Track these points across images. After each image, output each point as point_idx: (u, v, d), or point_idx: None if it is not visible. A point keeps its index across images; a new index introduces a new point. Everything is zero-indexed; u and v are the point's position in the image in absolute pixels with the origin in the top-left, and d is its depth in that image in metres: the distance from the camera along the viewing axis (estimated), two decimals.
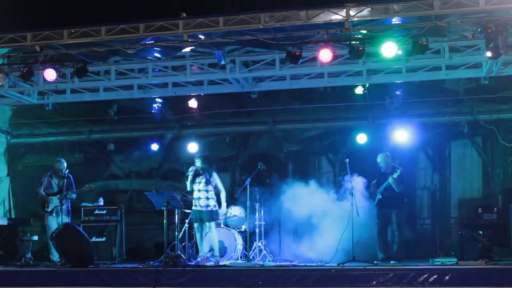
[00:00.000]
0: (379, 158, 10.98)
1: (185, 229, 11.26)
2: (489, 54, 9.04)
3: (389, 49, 9.51)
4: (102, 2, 11.60)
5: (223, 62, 10.48)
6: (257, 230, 11.45)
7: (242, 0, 10.75)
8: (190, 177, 10.40)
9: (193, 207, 10.44)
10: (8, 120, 14.09)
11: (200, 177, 10.41)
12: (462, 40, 10.09)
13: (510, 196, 11.72)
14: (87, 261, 10.00)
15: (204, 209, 10.29)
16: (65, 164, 11.35)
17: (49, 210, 11.14)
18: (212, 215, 10.35)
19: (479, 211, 11.55)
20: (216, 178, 10.41)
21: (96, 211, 12.03)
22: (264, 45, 10.00)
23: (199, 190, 10.33)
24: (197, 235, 10.53)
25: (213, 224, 10.42)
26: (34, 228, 11.83)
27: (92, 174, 13.75)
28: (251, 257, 11.13)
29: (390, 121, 12.78)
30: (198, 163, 10.45)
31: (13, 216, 13.60)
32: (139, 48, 10.11)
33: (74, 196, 11.33)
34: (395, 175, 10.48)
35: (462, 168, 12.85)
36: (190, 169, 10.48)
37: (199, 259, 10.33)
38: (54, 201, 11.12)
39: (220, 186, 10.45)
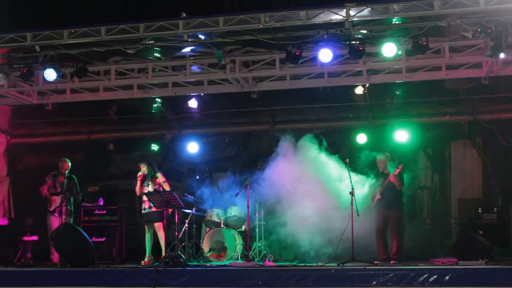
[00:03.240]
0: (378, 158, 10.97)
1: (185, 229, 11.27)
2: (489, 53, 9.05)
3: (389, 49, 9.54)
4: (102, 2, 11.59)
5: (223, 62, 10.48)
6: (257, 230, 11.45)
7: (242, 0, 10.74)
8: (138, 183, 10.64)
9: (142, 210, 10.69)
10: (8, 120, 14.08)
11: (147, 181, 10.70)
12: (462, 40, 10.09)
13: (510, 196, 11.72)
14: (87, 261, 10.00)
15: (151, 210, 10.55)
16: (70, 164, 11.38)
17: (51, 209, 11.14)
18: (160, 216, 10.53)
19: (479, 211, 11.56)
20: (161, 180, 10.73)
21: (96, 211, 12.04)
22: (264, 45, 10.01)
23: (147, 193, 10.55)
24: (147, 236, 10.72)
25: (161, 224, 10.58)
26: (34, 228, 11.81)
27: (92, 174, 13.75)
28: (251, 257, 11.13)
29: (390, 121, 12.79)
30: (143, 168, 10.73)
31: (13, 216, 13.59)
32: (139, 48, 10.12)
33: (80, 197, 11.41)
34: (395, 171, 10.46)
35: (462, 168, 12.85)
36: (138, 174, 10.72)
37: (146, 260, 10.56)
38: (57, 201, 11.13)
39: (166, 187, 10.70)
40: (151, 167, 10.82)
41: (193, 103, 12.90)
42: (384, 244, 10.66)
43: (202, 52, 10.83)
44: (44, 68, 10.26)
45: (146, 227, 10.73)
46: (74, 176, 11.40)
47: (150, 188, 10.62)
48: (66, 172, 11.29)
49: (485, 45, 9.19)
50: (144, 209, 10.67)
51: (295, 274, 8.77)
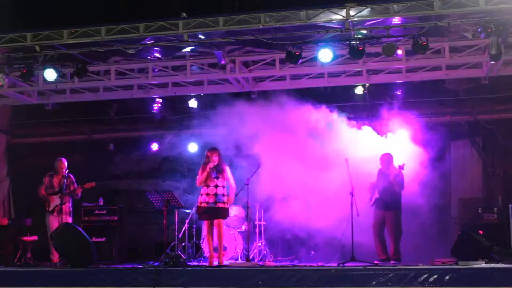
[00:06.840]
0: (381, 158, 10.94)
1: (185, 229, 11.26)
2: (490, 53, 9.05)
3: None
4: (102, 2, 11.59)
5: (223, 62, 10.48)
6: (257, 230, 11.45)
7: (242, 0, 10.75)
8: (205, 173, 9.78)
9: (205, 204, 9.82)
10: (8, 120, 14.08)
11: (216, 172, 9.87)
12: (462, 40, 10.10)
13: (510, 196, 11.72)
14: (87, 261, 9.99)
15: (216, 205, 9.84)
16: (66, 164, 11.36)
17: (50, 209, 11.14)
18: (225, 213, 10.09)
19: (479, 211, 11.55)
20: (229, 174, 10.05)
21: (96, 211, 12.04)
22: (264, 45, 10.01)
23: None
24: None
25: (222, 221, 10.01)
26: (34, 228, 11.82)
27: (92, 174, 13.72)
28: (251, 257, 11.13)
29: (390, 121, 12.78)
30: (216, 158, 9.82)
31: (13, 216, 13.59)
32: (139, 48, 10.12)
33: (79, 195, 11.41)
34: (396, 177, 10.45)
35: (462, 168, 12.84)
36: (208, 166, 9.78)
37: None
38: (55, 200, 11.12)
39: (233, 183, 10.11)
40: (221, 157, 9.92)
41: (193, 103, 12.90)
42: (381, 244, 10.64)
43: (202, 52, 10.83)
44: (44, 68, 10.26)
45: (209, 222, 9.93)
46: (71, 175, 11.37)
47: (219, 182, 9.78)
48: (63, 171, 11.27)
49: (489, 47, 9.18)
50: (208, 202, 9.79)
51: (295, 274, 8.75)
